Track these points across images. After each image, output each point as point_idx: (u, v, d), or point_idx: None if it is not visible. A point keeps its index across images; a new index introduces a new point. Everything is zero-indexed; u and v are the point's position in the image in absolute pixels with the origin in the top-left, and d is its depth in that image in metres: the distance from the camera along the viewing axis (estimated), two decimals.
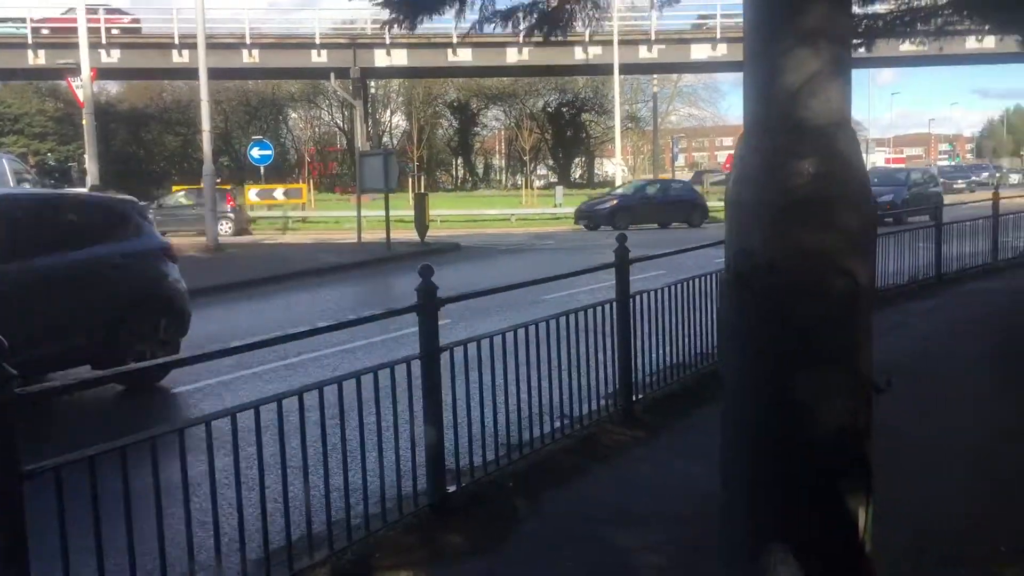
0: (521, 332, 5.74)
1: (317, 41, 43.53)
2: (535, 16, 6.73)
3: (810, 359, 1.76)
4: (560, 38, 7.06)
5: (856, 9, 10.94)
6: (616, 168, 44.83)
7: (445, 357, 5.08)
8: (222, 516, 4.01)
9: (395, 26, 7.04)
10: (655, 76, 58.64)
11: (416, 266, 5.08)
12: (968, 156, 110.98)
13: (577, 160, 75.34)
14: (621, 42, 41.19)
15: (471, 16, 6.98)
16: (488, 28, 7.07)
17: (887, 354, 8.79)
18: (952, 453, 5.78)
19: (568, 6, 6.68)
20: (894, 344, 9.34)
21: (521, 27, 6.99)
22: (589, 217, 32.53)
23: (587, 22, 7.01)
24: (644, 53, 44.57)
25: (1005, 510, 4.82)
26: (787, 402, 1.77)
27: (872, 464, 1.83)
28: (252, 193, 36.21)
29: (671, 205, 33.11)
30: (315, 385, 4.39)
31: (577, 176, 72.84)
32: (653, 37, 44.00)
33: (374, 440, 4.75)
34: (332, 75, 45.48)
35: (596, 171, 77.23)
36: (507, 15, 6.88)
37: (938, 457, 5.73)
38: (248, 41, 42.97)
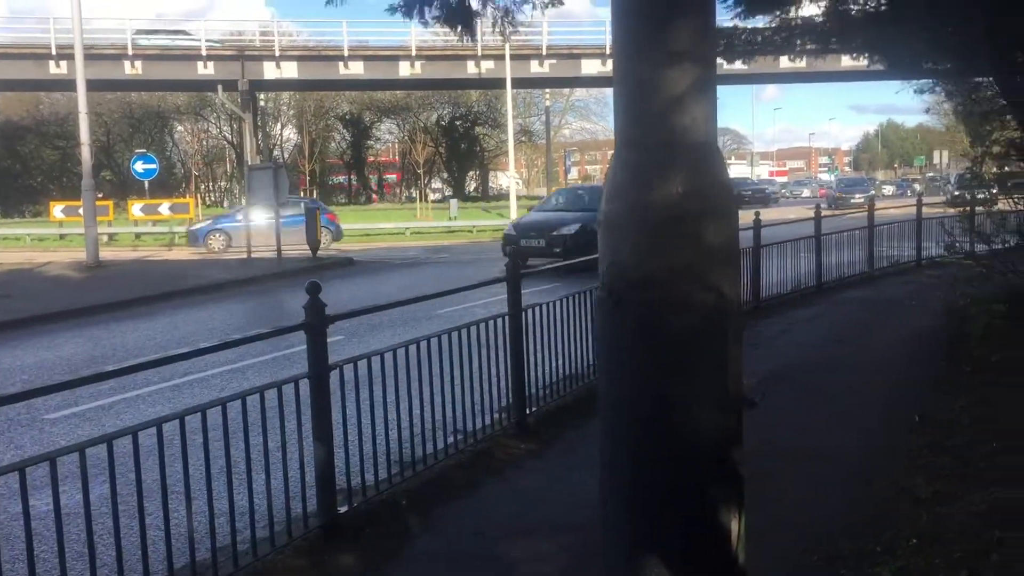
0: (413, 348, 5.72)
1: (203, 53, 42.45)
2: (442, 8, 6.65)
3: (681, 373, 1.81)
4: (467, 36, 6.99)
5: (738, 23, 11.32)
6: (510, 181, 45.14)
7: (344, 374, 5.02)
8: (101, 547, 3.85)
9: None
10: (547, 90, 59.37)
11: (307, 281, 4.99)
12: (846, 169, 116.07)
13: (471, 173, 75.61)
14: (513, 57, 41.58)
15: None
16: (393, 16, 6.94)
17: (771, 362, 9.17)
18: (832, 459, 6.01)
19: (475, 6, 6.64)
20: (778, 352, 9.69)
21: (427, 18, 6.90)
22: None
23: (497, 23, 6.98)
24: (536, 68, 45.07)
25: (880, 512, 5.03)
26: (660, 415, 1.80)
27: (744, 474, 1.88)
28: (136, 208, 34.99)
29: None
30: (198, 408, 4.26)
31: (472, 189, 73.08)
32: (544, 52, 44.56)
33: (263, 462, 4.64)
34: (220, 87, 44.41)
35: (491, 184, 77.71)
36: (411, 5, 6.80)
37: (819, 464, 5.94)
38: (130, 52, 41.58)
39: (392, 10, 6.85)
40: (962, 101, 13.22)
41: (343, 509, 5.05)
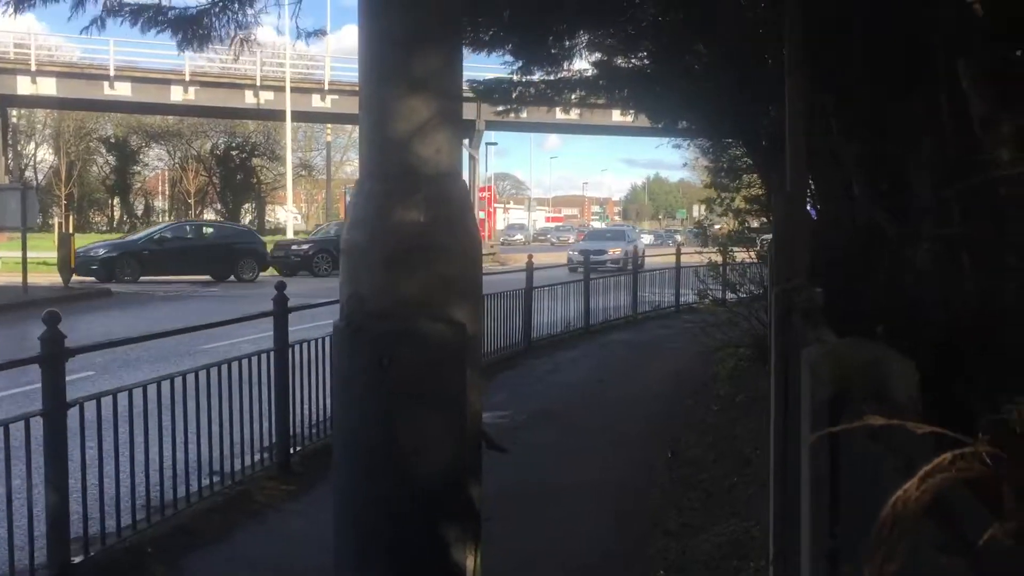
0: (167, 384, 5.37)
1: None
2: (169, 19, 6.35)
3: (416, 408, 1.78)
4: (198, 48, 6.72)
5: (514, 78, 11.68)
6: (288, 215, 44.08)
7: (84, 412, 4.61)
8: None
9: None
10: (329, 125, 58.72)
11: (44, 311, 4.57)
12: (616, 218, 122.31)
13: (247, 206, 73.08)
14: (294, 90, 40.86)
15: (93, 10, 6.44)
16: (115, 22, 6.52)
17: (539, 400, 9.41)
18: (591, 494, 6.21)
19: (207, 19, 6.38)
20: (545, 391, 9.96)
21: (154, 30, 6.58)
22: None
23: (228, 38, 6.74)
24: (318, 102, 44.47)
25: (634, 545, 5.23)
26: (393, 451, 1.76)
27: (480, 511, 1.87)
28: None
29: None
30: None
31: (248, 222, 70.61)
32: (327, 87, 44.10)
33: None
34: None
35: (268, 218, 75.36)
36: (137, 12, 6.43)
37: (578, 499, 6.12)
38: None
39: (112, 13, 6.45)
40: (713, 159, 14.30)
41: (78, 559, 4.62)
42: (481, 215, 55.77)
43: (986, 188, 2.39)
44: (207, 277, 27.21)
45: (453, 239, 1.84)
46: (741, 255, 11.99)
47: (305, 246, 31.34)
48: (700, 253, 13.70)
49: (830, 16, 3.82)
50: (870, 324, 2.46)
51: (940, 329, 2.82)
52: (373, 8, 1.83)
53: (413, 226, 1.80)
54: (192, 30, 6.55)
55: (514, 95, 11.44)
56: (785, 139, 3.52)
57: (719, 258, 12.60)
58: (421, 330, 1.78)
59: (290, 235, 40.03)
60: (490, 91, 11.98)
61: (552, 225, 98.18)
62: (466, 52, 8.74)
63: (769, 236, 11.37)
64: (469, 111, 45.56)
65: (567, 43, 8.78)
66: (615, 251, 31.22)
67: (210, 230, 29.79)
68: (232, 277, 27.46)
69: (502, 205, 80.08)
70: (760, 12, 6.01)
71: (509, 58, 8.88)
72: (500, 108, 13.40)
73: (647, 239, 77.05)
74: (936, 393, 1.37)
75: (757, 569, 4.35)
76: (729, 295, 11.96)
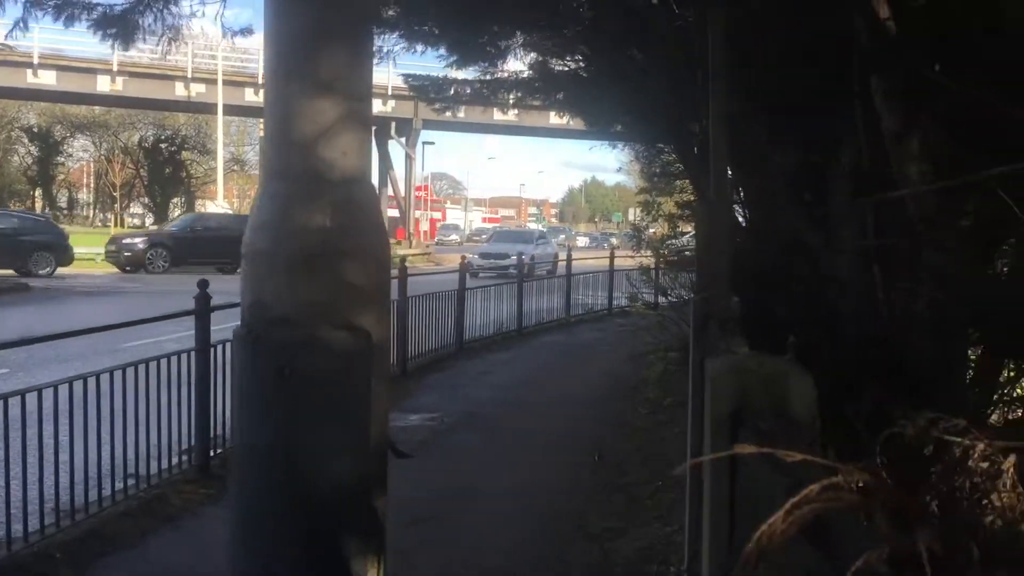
0: (79, 384, 5.20)
1: None
2: (93, 17, 6.16)
3: (318, 417, 1.73)
4: (123, 44, 6.53)
5: (449, 74, 11.64)
6: (219, 211, 43.27)
7: None
8: None
9: None
10: (262, 120, 57.75)
11: None
12: (553, 220, 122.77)
13: (176, 200, 71.55)
14: (227, 83, 40.12)
15: (13, 10, 6.22)
16: (39, 17, 6.31)
17: (469, 402, 9.37)
18: (517, 498, 6.19)
19: (133, 16, 6.20)
20: (475, 393, 9.92)
21: (82, 24, 6.37)
22: None
23: (155, 35, 6.56)
24: (251, 96, 43.71)
25: (557, 549, 5.23)
26: (294, 462, 1.71)
27: (384, 522, 1.83)
28: None
29: None
30: None
31: (176, 217, 69.11)
32: (260, 80, 43.36)
33: None
34: None
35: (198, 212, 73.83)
36: (61, 7, 6.23)
37: (504, 503, 6.09)
38: None
39: (35, 6, 6.23)
40: (646, 164, 14.44)
41: None
42: (420, 215, 55.44)
43: (898, 203, 2.43)
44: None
45: (359, 244, 1.79)
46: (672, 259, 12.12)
47: (138, 241, 28.76)
48: (632, 257, 13.82)
49: (755, 24, 3.87)
50: (785, 335, 2.48)
51: (851, 342, 2.87)
52: (277, 4, 1.78)
53: (317, 231, 1.75)
54: (117, 28, 6.36)
55: (450, 92, 11.39)
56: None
57: (651, 262, 12.73)
58: (324, 338, 1.73)
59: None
60: (426, 87, 11.90)
61: (489, 226, 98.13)
62: (401, 47, 8.67)
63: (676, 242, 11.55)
64: (406, 109, 45.33)
65: (502, 44, 8.76)
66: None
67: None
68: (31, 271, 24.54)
69: (441, 208, 79.38)
70: (689, 19, 6.06)
71: (444, 52, 8.83)
72: (437, 105, 13.33)
73: (583, 241, 77.43)
74: (839, 408, 1.37)
75: (677, 574, 4.38)
76: (661, 299, 12.08)
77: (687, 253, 10.93)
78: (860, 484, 0.69)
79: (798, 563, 0.68)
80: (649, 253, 12.69)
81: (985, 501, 1.18)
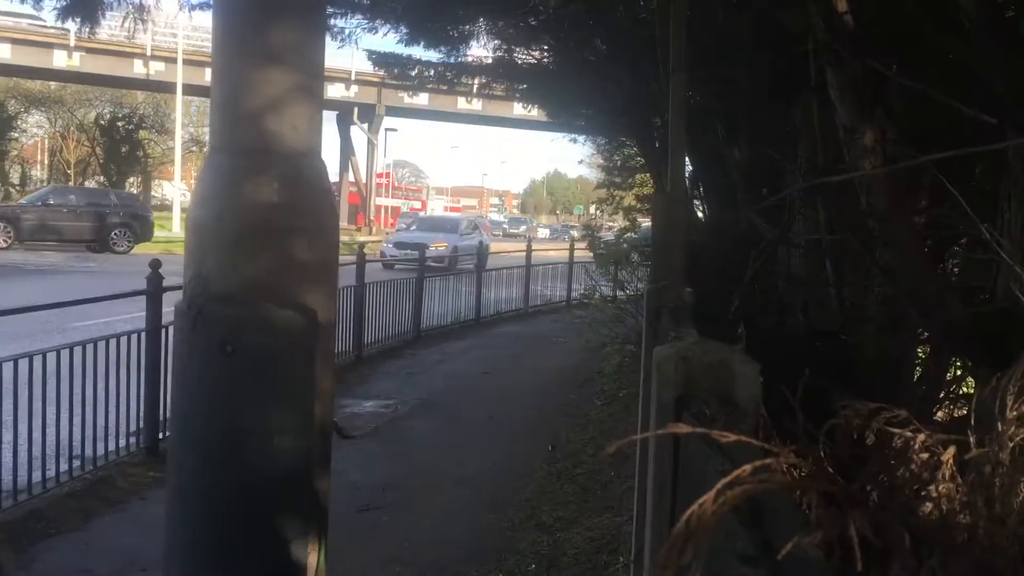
0: (24, 363, 5.09)
1: None
2: None
3: (259, 397, 1.69)
4: (90, 26, 6.36)
5: (413, 55, 11.52)
6: (176, 191, 42.64)
7: None
8: None
9: None
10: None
11: None
12: (515, 210, 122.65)
13: (132, 180, 70.34)
14: (186, 62, 39.39)
15: None
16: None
17: (423, 390, 9.34)
18: (470, 486, 6.18)
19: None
20: (430, 381, 9.90)
21: (47, 6, 6.22)
22: None
23: (128, 17, 6.41)
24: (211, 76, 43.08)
25: (508, 538, 5.23)
26: (233, 443, 1.68)
27: (326, 505, 1.80)
28: None
29: None
30: None
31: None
32: None
33: None
34: None
35: (154, 193, 72.70)
36: None
37: (457, 491, 6.09)
38: None
39: None
40: (607, 156, 14.48)
41: None
42: (382, 201, 55.04)
43: (851, 199, 2.45)
44: None
45: (307, 221, 1.75)
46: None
47: None
48: (592, 249, 13.84)
49: (714, 18, 3.88)
50: (734, 326, 2.49)
51: (801, 334, 2.89)
52: None
53: (264, 206, 1.71)
54: (83, 15, 6.21)
55: (413, 73, 11.28)
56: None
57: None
58: (269, 316, 1.70)
59: (176, 211, 38.50)
60: (389, 62, 11.76)
61: (455, 215, 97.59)
62: (363, 28, 8.56)
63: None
64: (369, 95, 45.01)
65: (465, 28, 8.71)
66: (439, 245, 24.56)
67: None
68: None
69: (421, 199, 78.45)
70: (652, 12, 6.08)
71: (406, 33, 8.75)
72: (401, 83, 13.15)
73: (543, 232, 77.36)
74: (784, 397, 1.38)
75: (626, 564, 4.40)
76: (619, 293, 12.12)
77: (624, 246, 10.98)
78: (795, 467, 0.69)
79: (730, 547, 0.67)
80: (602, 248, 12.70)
81: (923, 492, 1.19)
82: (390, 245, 24.55)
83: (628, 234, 11.53)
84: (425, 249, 14.83)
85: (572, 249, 18.81)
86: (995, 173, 2.39)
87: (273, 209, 1.71)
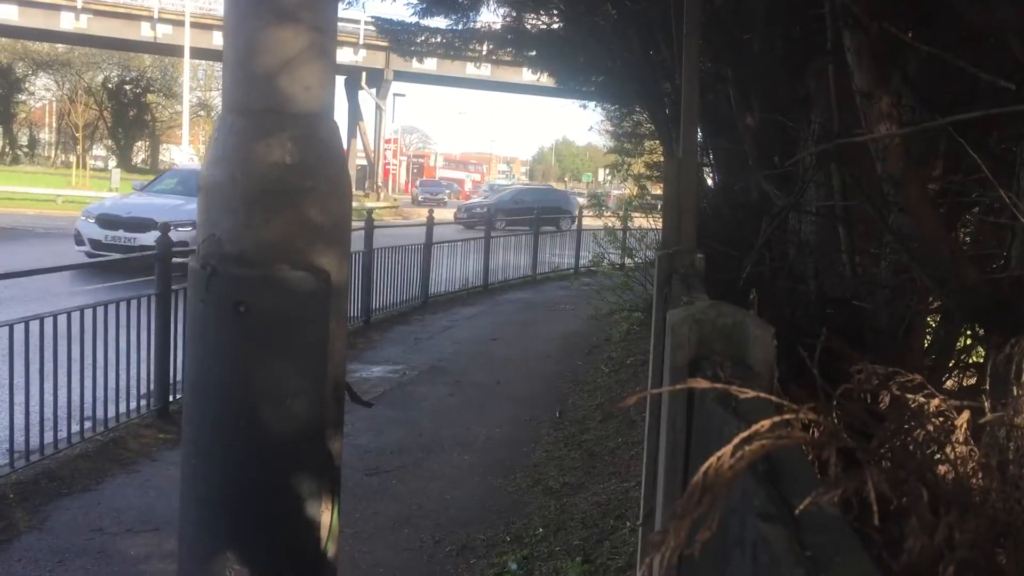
0: (36, 325, 5.12)
1: None
2: None
3: (273, 357, 1.70)
4: None
5: (419, 20, 11.41)
6: (183, 156, 42.55)
7: None
8: None
9: None
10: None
11: None
12: (523, 177, 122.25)
13: (140, 143, 70.26)
14: (194, 25, 39.17)
15: None
16: None
17: (432, 355, 9.38)
18: (478, 451, 6.22)
19: None
20: (439, 347, 9.92)
21: None
22: None
23: None
24: (219, 39, 42.71)
25: (516, 502, 5.27)
26: (247, 402, 1.68)
27: (339, 465, 1.82)
28: None
29: None
30: None
31: (140, 160, 67.92)
32: None
33: None
34: None
35: (161, 157, 72.60)
36: None
37: (466, 455, 6.12)
38: None
39: None
40: (617, 123, 14.38)
41: None
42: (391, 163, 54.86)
43: (866, 164, 2.43)
44: None
45: (320, 182, 1.74)
46: (640, 221, 12.14)
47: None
48: (600, 217, 13.81)
49: None
50: (745, 292, 2.48)
51: (814, 301, 2.88)
52: None
53: (277, 166, 1.70)
54: None
55: (419, 39, 11.19)
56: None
57: (618, 222, 12.73)
58: (282, 277, 1.70)
59: None
60: (395, 31, 11.66)
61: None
62: None
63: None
64: (378, 60, 44.71)
65: None
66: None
67: None
68: None
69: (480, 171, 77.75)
70: None
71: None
72: (410, 49, 13.03)
73: None
74: (799, 361, 1.38)
75: (633, 528, 4.43)
76: (628, 261, 12.10)
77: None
78: (813, 424, 0.69)
79: (748, 504, 0.68)
80: (613, 213, 12.66)
81: (938, 455, 1.19)
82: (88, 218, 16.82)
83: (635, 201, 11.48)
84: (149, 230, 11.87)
85: (580, 217, 18.77)
86: (1012, 139, 2.36)
87: (286, 170, 1.70)
